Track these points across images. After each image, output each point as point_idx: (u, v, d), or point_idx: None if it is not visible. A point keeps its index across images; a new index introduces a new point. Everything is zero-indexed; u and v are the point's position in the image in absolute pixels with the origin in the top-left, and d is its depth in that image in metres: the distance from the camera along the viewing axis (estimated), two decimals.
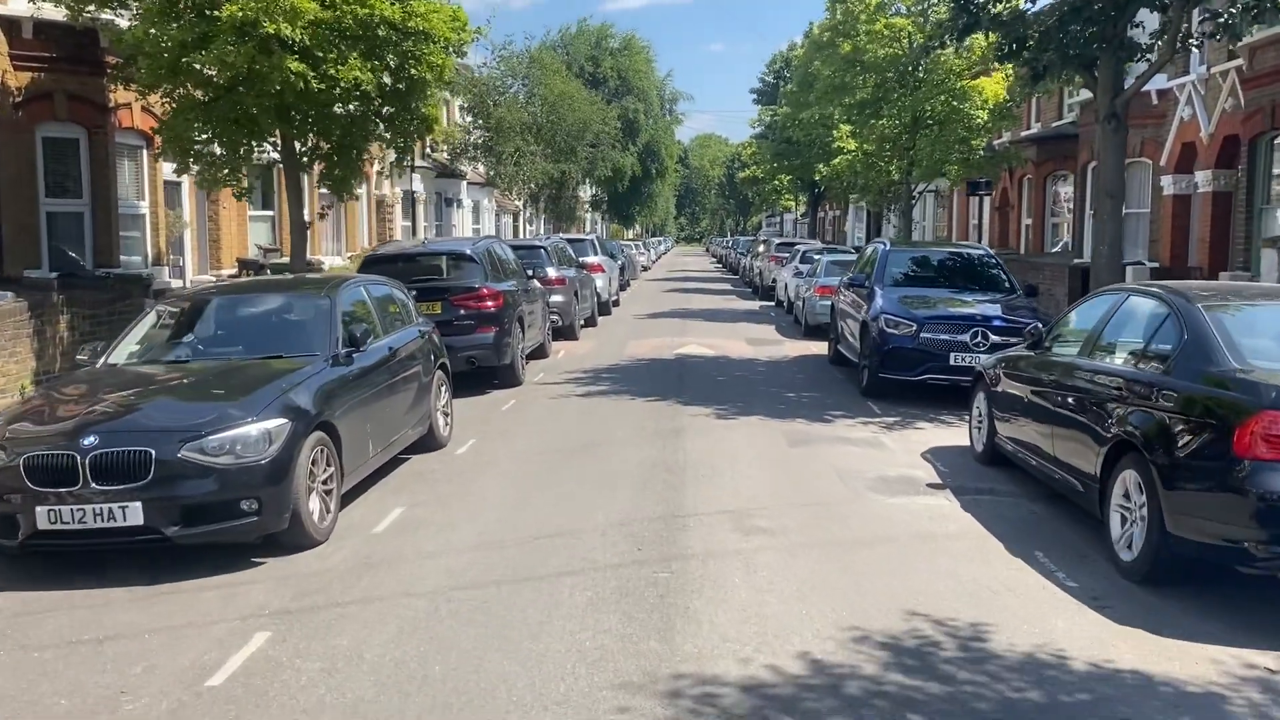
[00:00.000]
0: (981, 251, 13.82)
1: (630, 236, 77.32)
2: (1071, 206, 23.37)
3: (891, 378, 11.54)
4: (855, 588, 5.53)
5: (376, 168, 15.90)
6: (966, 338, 11.19)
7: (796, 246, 27.04)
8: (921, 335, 11.33)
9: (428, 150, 33.69)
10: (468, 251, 12.34)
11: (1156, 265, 18.83)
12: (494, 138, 32.44)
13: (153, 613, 5.34)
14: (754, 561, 5.92)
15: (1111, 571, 5.84)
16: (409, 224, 30.83)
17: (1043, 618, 5.16)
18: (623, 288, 32.60)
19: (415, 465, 8.59)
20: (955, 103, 21.28)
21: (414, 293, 11.77)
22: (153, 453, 5.76)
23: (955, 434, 9.76)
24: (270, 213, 21.44)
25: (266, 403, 6.24)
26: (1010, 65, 21.32)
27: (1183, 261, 18.60)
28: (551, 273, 17.64)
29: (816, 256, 24.98)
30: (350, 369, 7.26)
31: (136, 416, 6.09)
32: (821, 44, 25.48)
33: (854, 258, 21.19)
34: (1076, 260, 21.25)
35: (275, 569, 6.01)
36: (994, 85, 22.62)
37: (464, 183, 36.42)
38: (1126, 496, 5.88)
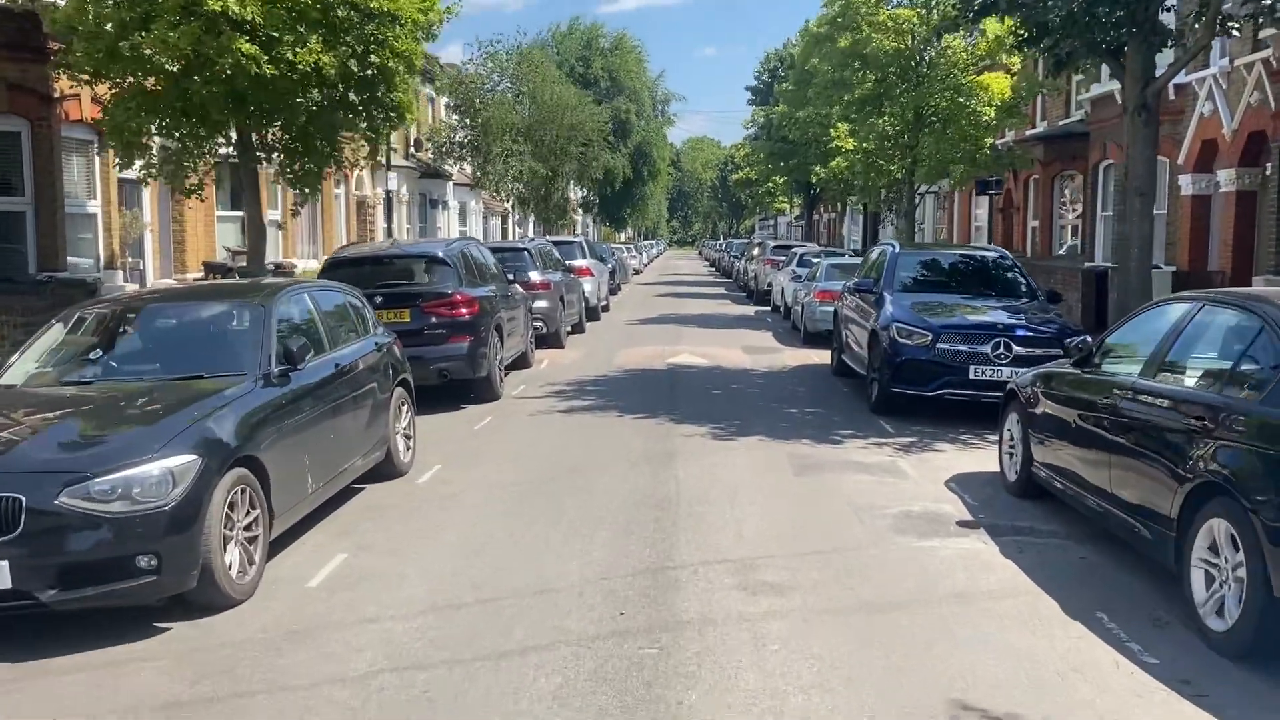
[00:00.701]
0: (998, 254, 12.79)
1: (622, 239, 76.32)
2: (1081, 208, 22.41)
3: (904, 393, 10.50)
4: (890, 669, 4.47)
5: (357, 166, 14.78)
6: (987, 349, 10.15)
7: (793, 250, 26.03)
8: (938, 346, 10.28)
9: (411, 150, 32.61)
10: (439, 254, 11.27)
11: (1174, 269, 17.86)
12: (480, 137, 31.35)
13: (2, 705, 4.26)
14: (763, 632, 4.84)
15: (1197, 643, 4.79)
16: (391, 225, 29.74)
17: (1127, 713, 4.11)
18: (613, 291, 31.55)
19: (369, 497, 7.51)
20: (961, 99, 20.26)
21: (380, 299, 10.78)
22: (23, 500, 4.68)
23: (980, 458, 8.72)
24: (239, 213, 20.29)
25: (173, 434, 5.16)
26: (1020, 57, 20.44)
27: (1202, 265, 17.60)
28: (535, 277, 16.58)
29: (815, 260, 24.02)
30: (285, 390, 6.18)
31: (9, 456, 5.00)
32: (820, 36, 24.46)
33: (854, 261, 20.20)
34: (1089, 264, 20.30)
35: (179, 639, 4.94)
36: (1000, 81, 21.63)
37: (449, 184, 35.34)
38: (1213, 550, 4.84)
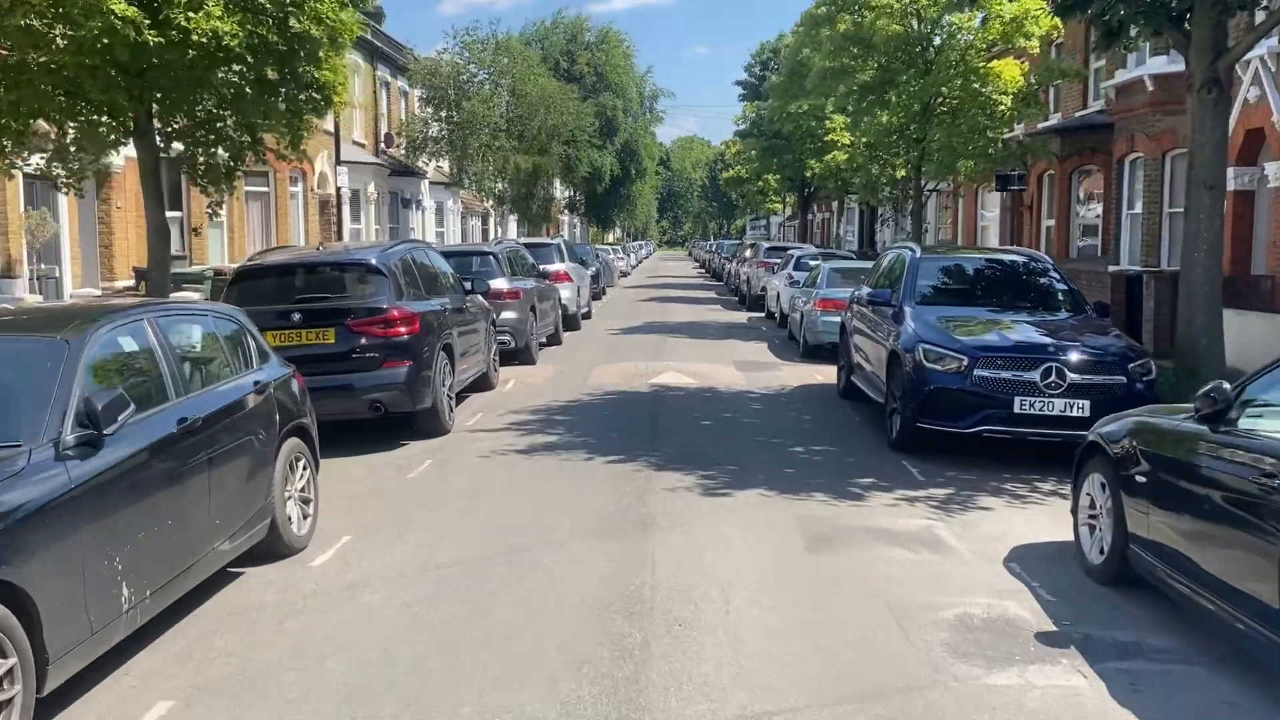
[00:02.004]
0: (1035, 258, 10.95)
1: (611, 240, 74.35)
2: (1101, 205, 20.61)
3: (932, 428, 8.66)
4: None
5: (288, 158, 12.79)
6: (1035, 376, 8.30)
7: (789, 252, 24.18)
8: (975, 373, 8.43)
9: (382, 146, 30.69)
10: (372, 261, 9.37)
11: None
12: (457, 131, 29.41)
13: None
14: None
15: None
16: (358, 226, 27.83)
17: None
18: (597, 296, 29.68)
19: (241, 591, 5.63)
20: (977, 85, 18.43)
21: (298, 315, 8.91)
22: None
23: (1038, 520, 6.89)
24: (178, 213, 18.39)
25: None
26: (1042, 38, 18.66)
27: (1245, 268, 15.80)
28: (501, 284, 14.68)
29: (813, 263, 22.18)
30: (87, 465, 4.29)
31: None
32: (819, 19, 22.59)
33: (859, 265, 18.35)
34: (1115, 267, 18.51)
35: None
36: (1011, 69, 19.80)
37: (424, 181, 33.42)
38: None
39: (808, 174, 33.43)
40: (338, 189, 18.28)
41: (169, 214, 18.60)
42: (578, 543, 6.28)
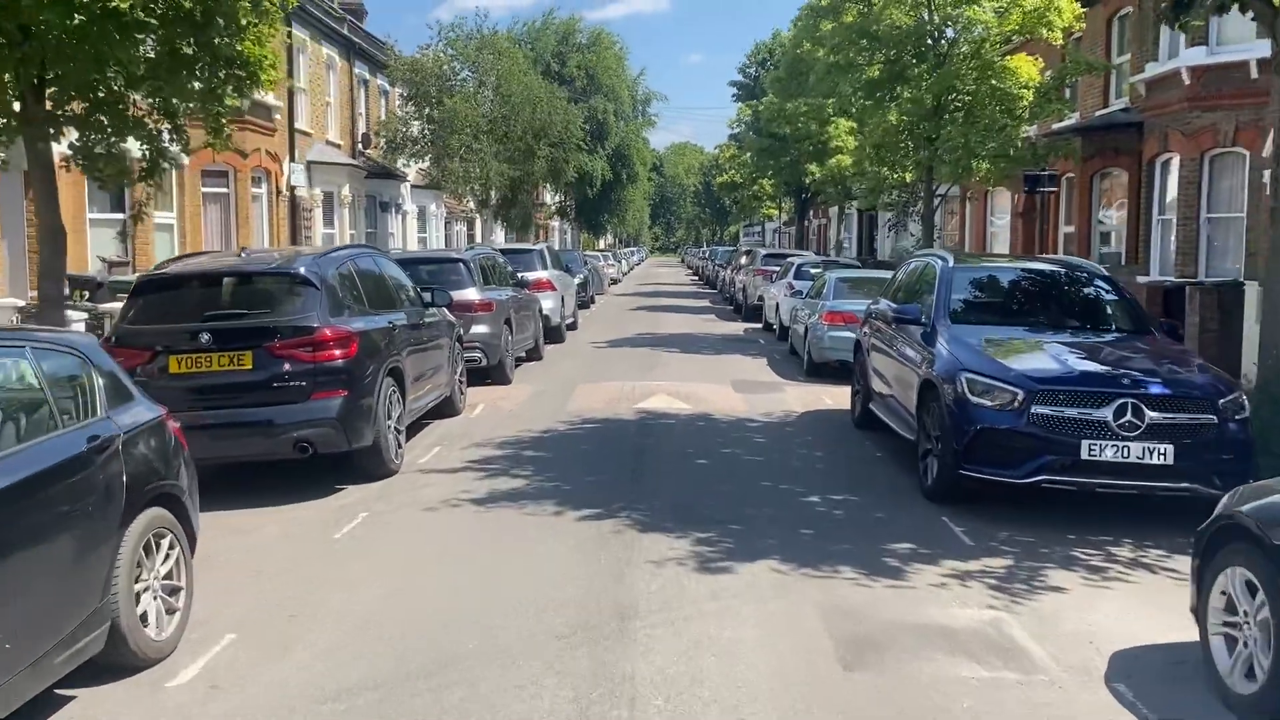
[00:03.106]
0: (1087, 269, 9.39)
1: (603, 246, 72.70)
2: (1127, 211, 19.09)
3: (978, 476, 7.10)
4: None
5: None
6: (1108, 414, 6.74)
7: (789, 259, 22.63)
8: (1033, 410, 6.87)
9: (359, 146, 29.08)
10: (300, 271, 7.76)
11: (1259, 285, 14.56)
12: (438, 130, 27.76)
13: None
14: None
15: None
16: (332, 231, 26.19)
17: None
18: (585, 305, 28.12)
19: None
20: (995, 80, 16.90)
21: (207, 336, 7.33)
22: None
23: (1132, 604, 5.37)
24: (121, 215, 16.76)
25: None
26: (1059, 28, 17.17)
27: None
28: (471, 295, 13.10)
29: (814, 271, 20.66)
30: None
31: None
32: (820, 9, 21.05)
33: (868, 275, 16.82)
34: (1143, 278, 17.01)
35: None
36: (1028, 65, 18.26)
37: (405, 184, 31.79)
38: None
39: (806, 179, 31.87)
40: (292, 189, 16.65)
41: (111, 215, 17.09)
42: (531, 655, 4.66)
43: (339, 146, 27.45)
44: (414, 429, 9.96)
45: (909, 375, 8.44)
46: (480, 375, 13.24)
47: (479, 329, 13.06)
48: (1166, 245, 17.16)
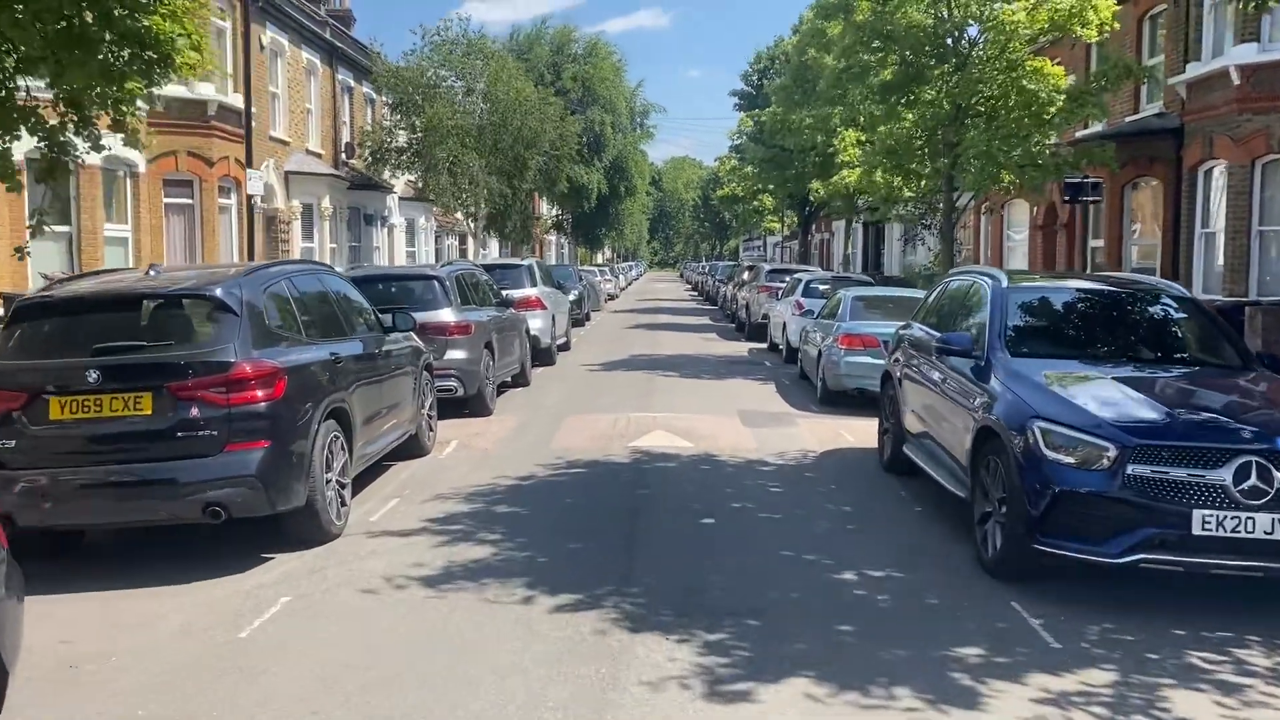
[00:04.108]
0: (1165, 289, 7.92)
1: (600, 260, 71.28)
2: (1162, 223, 17.69)
3: (1058, 552, 5.63)
4: None
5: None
6: (1227, 476, 5.30)
7: (796, 275, 21.20)
8: (1130, 470, 5.42)
9: (343, 156, 27.69)
10: (214, 294, 6.30)
11: None
12: (424, 140, 26.36)
13: None
14: None
15: None
16: (311, 245, 24.77)
17: None
18: (579, 323, 26.75)
19: None
20: (1025, 82, 15.50)
21: (95, 374, 5.89)
22: None
23: None
24: (67, 228, 15.35)
25: None
26: (1094, 25, 15.80)
27: None
28: (446, 317, 11.69)
29: (822, 287, 19.28)
30: None
31: None
32: (828, 8, 19.67)
33: (890, 294, 15.40)
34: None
35: None
36: (1057, 71, 16.85)
37: (392, 196, 30.39)
38: None
39: (811, 195, 30.44)
40: (248, 198, 15.21)
41: (59, 228, 15.62)
42: None
43: (320, 156, 26.06)
44: (371, 474, 8.53)
45: (958, 418, 7.00)
46: (457, 406, 11.81)
47: (455, 354, 11.63)
48: (1211, 261, 15.76)
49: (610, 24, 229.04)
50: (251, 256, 15.84)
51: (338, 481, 7.02)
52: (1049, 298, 7.62)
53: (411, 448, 9.50)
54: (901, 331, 9.43)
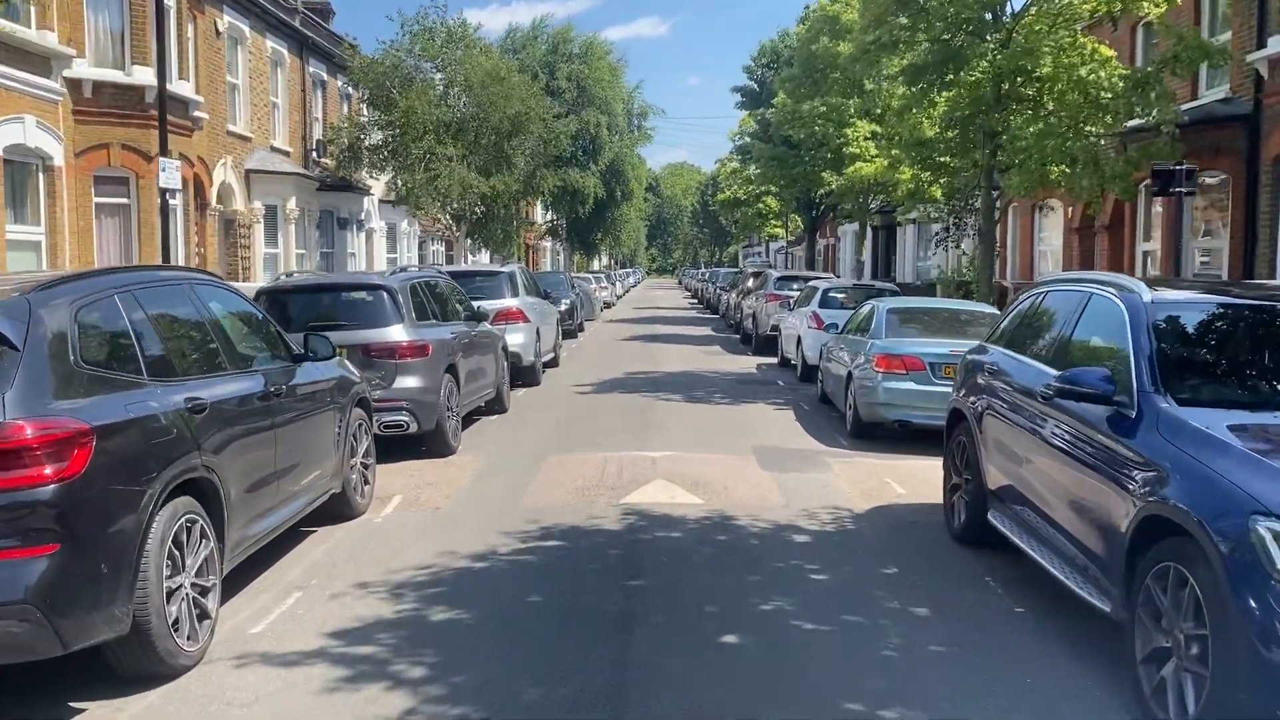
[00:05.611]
0: None
1: (598, 267, 69.08)
2: (1230, 223, 15.56)
3: None
4: None
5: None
6: None
7: (810, 283, 19.02)
8: None
9: (314, 154, 25.53)
10: None
11: None
12: (400, 135, 24.19)
13: None
14: None
15: None
16: (275, 251, 22.60)
17: None
18: (572, 334, 24.61)
19: None
20: (1083, 66, 13.35)
21: None
22: None
23: None
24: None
25: None
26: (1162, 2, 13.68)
27: None
28: (395, 336, 9.50)
29: (841, 296, 17.15)
30: None
31: None
32: None
33: (930, 304, 13.27)
34: None
35: None
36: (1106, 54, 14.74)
37: (369, 198, 28.24)
38: None
39: (823, 190, 28.32)
40: (163, 192, 13.04)
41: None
42: None
43: (287, 154, 23.93)
44: (279, 546, 6.35)
45: (1093, 492, 4.82)
46: (407, 445, 9.65)
47: (406, 382, 9.45)
48: None
49: (609, 32, 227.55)
50: (167, 260, 13.66)
51: (193, 585, 4.83)
52: (1208, 316, 5.43)
53: (340, 508, 7.33)
54: (974, 357, 7.25)
